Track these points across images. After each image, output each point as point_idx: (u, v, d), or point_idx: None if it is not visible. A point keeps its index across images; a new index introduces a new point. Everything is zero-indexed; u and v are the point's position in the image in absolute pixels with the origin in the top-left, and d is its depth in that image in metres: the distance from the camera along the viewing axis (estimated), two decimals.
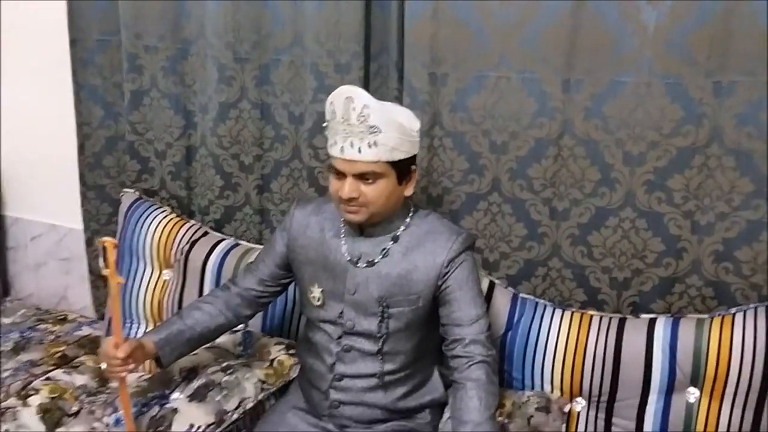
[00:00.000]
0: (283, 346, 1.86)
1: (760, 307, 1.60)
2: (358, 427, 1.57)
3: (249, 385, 1.70)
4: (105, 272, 1.45)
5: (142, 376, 1.97)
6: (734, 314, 1.62)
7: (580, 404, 1.72)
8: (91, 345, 2.31)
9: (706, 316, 1.65)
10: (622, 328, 1.68)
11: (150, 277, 2.16)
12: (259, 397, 1.71)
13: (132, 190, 2.24)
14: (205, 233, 2.13)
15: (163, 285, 2.15)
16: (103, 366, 1.50)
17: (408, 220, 1.53)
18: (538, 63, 1.70)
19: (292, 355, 1.83)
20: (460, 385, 1.44)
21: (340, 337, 1.55)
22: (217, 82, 2.03)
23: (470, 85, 1.77)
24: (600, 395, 1.69)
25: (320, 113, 1.94)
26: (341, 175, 1.43)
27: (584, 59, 1.67)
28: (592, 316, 1.73)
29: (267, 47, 1.97)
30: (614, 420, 1.68)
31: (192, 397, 1.63)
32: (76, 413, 1.93)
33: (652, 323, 1.67)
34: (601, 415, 1.70)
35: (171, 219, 2.16)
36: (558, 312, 1.76)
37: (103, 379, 2.10)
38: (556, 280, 1.84)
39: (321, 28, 1.88)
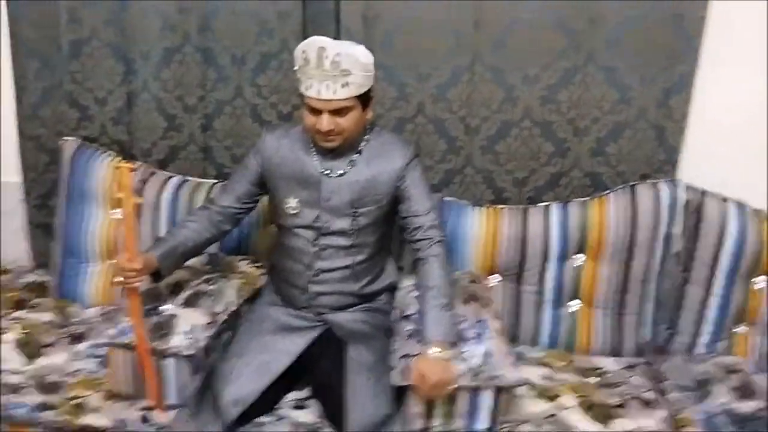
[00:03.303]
0: (248, 261, 2.15)
1: (625, 188, 2.10)
2: (332, 312, 1.92)
3: (230, 292, 1.98)
4: (119, 195, 1.66)
5: None
6: (607, 195, 2.11)
7: (495, 279, 2.16)
8: (40, 289, 2.43)
9: (587, 198, 2.14)
10: (526, 215, 2.13)
11: (100, 218, 2.32)
12: (239, 301, 1.99)
13: (73, 138, 2.36)
14: (153, 173, 2.31)
15: (113, 224, 2.30)
16: (118, 279, 1.71)
17: (367, 136, 1.86)
18: (453, 6, 2.06)
19: (258, 267, 2.12)
20: (423, 260, 1.82)
21: (316, 239, 1.86)
22: (160, 30, 2.21)
23: (397, 25, 2.10)
24: (511, 269, 2.13)
25: (262, 54, 2.21)
26: (317, 111, 1.72)
27: (489, 1, 2.05)
28: (501, 209, 2.17)
29: None
30: (522, 287, 2.14)
31: (185, 305, 1.88)
32: (52, 344, 2.11)
33: (547, 209, 2.14)
34: (512, 285, 2.15)
35: (117, 161, 2.32)
36: (475, 209, 2.17)
37: (65, 314, 2.27)
38: (470, 185, 2.25)
39: None
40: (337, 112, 1.71)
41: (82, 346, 2.07)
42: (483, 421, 1.72)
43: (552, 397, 1.88)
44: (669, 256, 2.09)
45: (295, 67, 1.73)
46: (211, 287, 1.96)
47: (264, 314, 1.94)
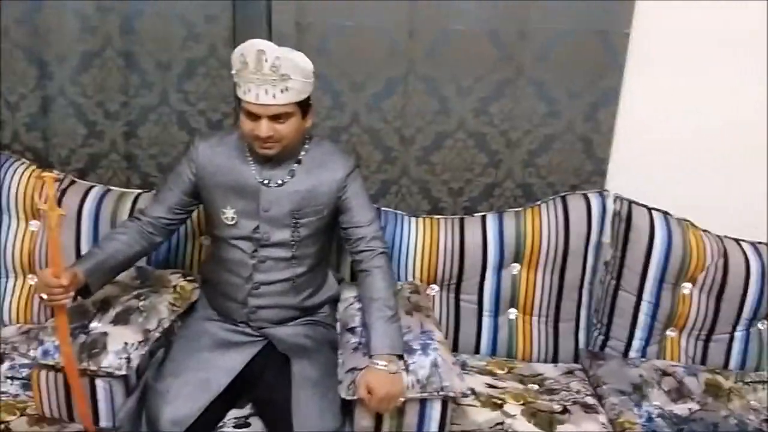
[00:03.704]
0: (179, 275, 2.04)
1: (557, 198, 2.16)
2: (273, 326, 1.85)
3: (162, 307, 1.87)
4: (42, 206, 1.54)
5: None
6: (540, 205, 2.16)
7: (434, 290, 2.16)
8: None
9: (520, 209, 2.18)
10: (463, 225, 2.15)
11: (16, 230, 2.16)
12: (172, 317, 1.89)
13: None
14: (72, 182, 2.17)
15: (31, 236, 2.16)
16: (44, 296, 1.58)
17: (307, 145, 1.81)
18: (387, 14, 2.05)
19: (190, 280, 2.02)
20: (367, 272, 1.79)
21: (255, 251, 1.80)
22: (79, 32, 2.09)
23: (331, 32, 2.07)
24: (450, 279, 2.14)
25: (189, 60, 2.13)
26: (255, 116, 1.66)
27: (423, 11, 2.05)
28: (439, 220, 2.18)
29: None
30: (461, 296, 2.15)
31: (115, 322, 1.76)
32: None
33: (483, 219, 2.16)
34: (452, 295, 2.16)
35: (33, 170, 2.17)
36: (413, 220, 2.16)
37: None
38: (405, 195, 2.25)
39: None
40: (276, 118, 1.66)
41: (1, 368, 1.90)
42: None
43: (497, 406, 1.88)
44: (600, 264, 2.16)
45: (233, 71, 1.67)
46: (142, 303, 1.85)
47: (200, 330, 1.85)
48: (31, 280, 2.18)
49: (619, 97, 2.12)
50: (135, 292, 1.89)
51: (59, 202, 2.09)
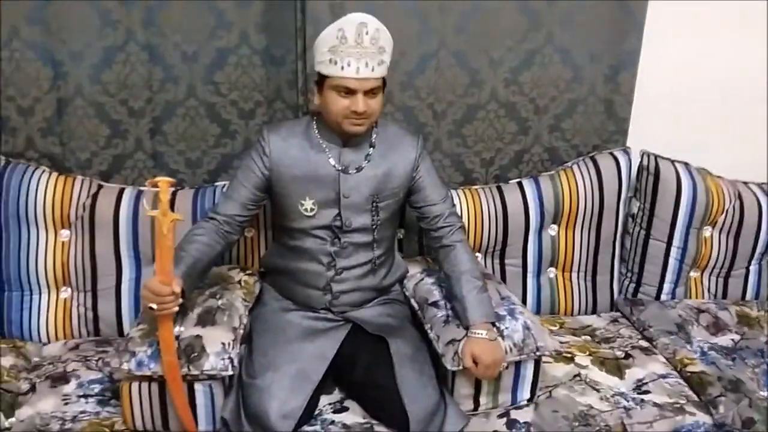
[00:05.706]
0: (237, 269, 2.00)
1: (586, 158, 2.28)
2: (354, 309, 1.87)
3: (239, 304, 1.83)
4: (152, 213, 1.47)
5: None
6: (572, 167, 2.27)
7: (478, 257, 2.23)
8: None
9: (553, 172, 2.28)
10: (502, 193, 2.22)
11: (46, 242, 2.03)
12: (246, 312, 1.86)
13: None
14: (100, 186, 2.07)
15: (62, 247, 2.04)
16: (154, 306, 1.52)
17: (376, 128, 1.82)
18: None
19: (249, 274, 1.99)
20: (450, 247, 1.83)
21: (336, 238, 1.80)
22: (99, 27, 1.97)
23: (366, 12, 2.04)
24: (495, 246, 2.22)
25: (219, 49, 2.06)
26: (350, 92, 1.66)
27: None
28: (477, 190, 2.23)
29: None
30: (506, 261, 2.24)
31: (203, 324, 1.71)
32: (31, 389, 1.82)
33: (521, 185, 2.24)
34: (497, 261, 2.23)
35: (56, 177, 2.04)
36: (453, 193, 2.15)
37: (23, 355, 1.96)
38: (438, 169, 2.24)
39: None
40: (368, 92, 1.67)
41: (69, 387, 1.81)
42: (525, 391, 1.80)
43: (569, 360, 1.99)
44: (629, 216, 2.31)
45: (324, 48, 1.65)
46: (221, 302, 1.80)
47: (282, 321, 1.83)
48: (65, 292, 2.07)
49: (639, 59, 2.24)
50: (208, 292, 1.84)
51: (92, 209, 2.01)
